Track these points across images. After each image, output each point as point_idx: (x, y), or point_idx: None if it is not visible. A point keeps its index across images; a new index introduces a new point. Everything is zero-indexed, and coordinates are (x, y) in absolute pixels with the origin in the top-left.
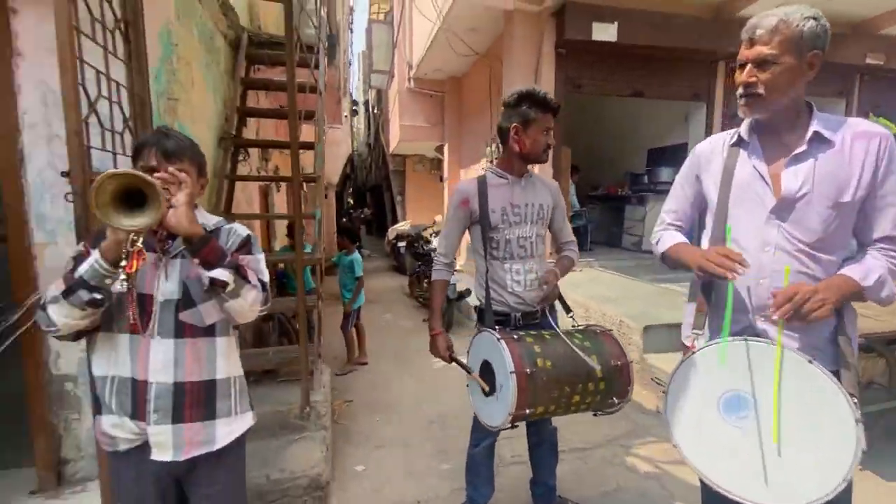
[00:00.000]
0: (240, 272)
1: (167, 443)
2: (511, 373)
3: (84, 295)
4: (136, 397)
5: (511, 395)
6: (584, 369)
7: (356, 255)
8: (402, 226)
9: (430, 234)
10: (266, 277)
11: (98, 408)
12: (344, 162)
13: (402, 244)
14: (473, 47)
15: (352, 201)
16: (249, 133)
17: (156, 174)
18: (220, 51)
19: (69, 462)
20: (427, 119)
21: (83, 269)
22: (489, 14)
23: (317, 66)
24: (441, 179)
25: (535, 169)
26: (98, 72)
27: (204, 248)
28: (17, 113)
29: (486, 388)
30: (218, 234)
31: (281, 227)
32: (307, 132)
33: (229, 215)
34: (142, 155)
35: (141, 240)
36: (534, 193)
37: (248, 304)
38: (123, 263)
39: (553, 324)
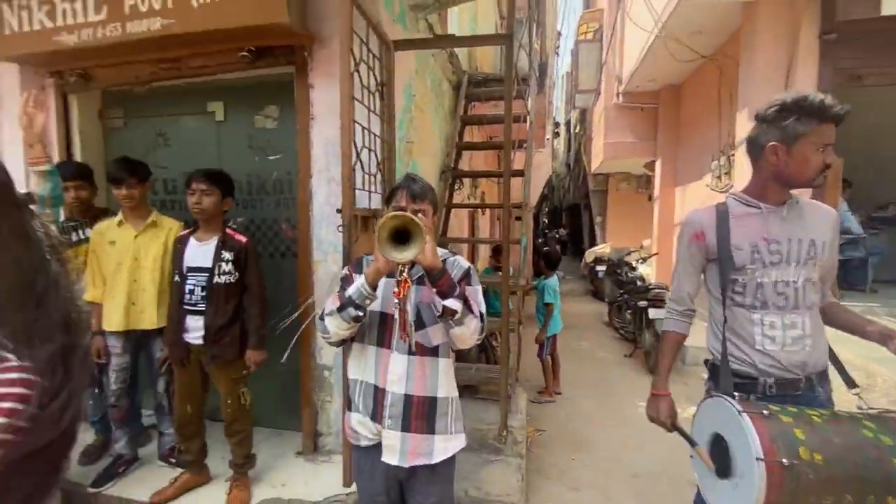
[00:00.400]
0: (466, 303)
1: (396, 447)
2: (758, 460)
3: (351, 311)
4: (377, 402)
5: (756, 490)
6: (882, 475)
7: (550, 281)
8: (602, 248)
9: (637, 260)
10: (484, 308)
11: (349, 405)
12: (543, 183)
13: (600, 268)
14: (698, 51)
15: (546, 221)
16: (463, 164)
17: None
18: (445, 94)
19: (321, 435)
20: (636, 134)
21: (351, 290)
22: (721, 11)
23: (528, 96)
24: (650, 198)
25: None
26: (363, 127)
27: (441, 279)
28: (311, 162)
29: (713, 469)
30: (443, 265)
31: (484, 247)
32: (515, 159)
33: (446, 239)
34: (395, 196)
35: (408, 270)
36: (802, 226)
37: (470, 333)
38: (395, 290)
39: (826, 400)
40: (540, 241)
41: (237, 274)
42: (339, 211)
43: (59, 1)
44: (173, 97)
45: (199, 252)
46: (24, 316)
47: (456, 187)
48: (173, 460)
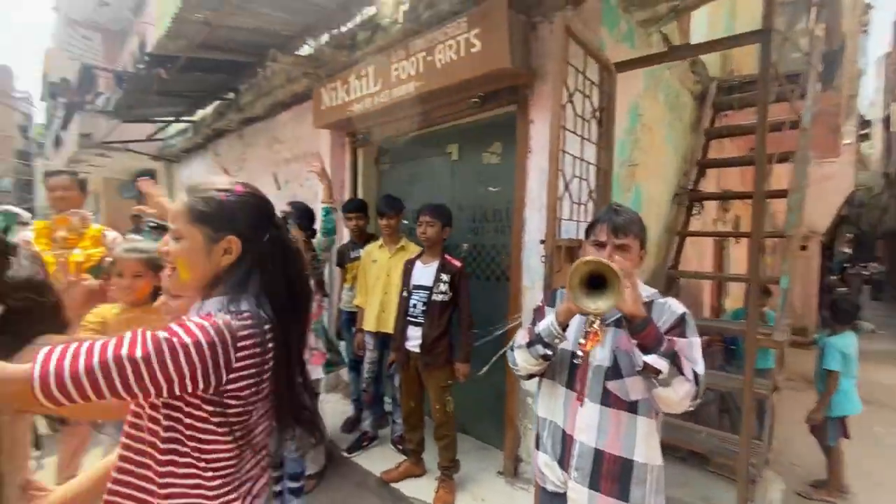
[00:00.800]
0: (675, 361)
1: (582, 503)
2: None
3: (540, 349)
4: (565, 448)
5: None
6: None
7: (839, 339)
8: None
9: None
10: (701, 369)
11: (537, 444)
12: (840, 202)
13: None
14: None
15: (849, 252)
16: (709, 182)
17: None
18: (684, 106)
19: (521, 461)
20: None
21: (541, 327)
22: None
23: (802, 97)
24: None
25: None
26: (574, 157)
27: (643, 330)
28: (525, 192)
29: None
30: (650, 308)
31: (738, 283)
32: (784, 176)
33: (675, 272)
34: (594, 229)
35: (598, 322)
36: None
37: (678, 398)
38: (582, 341)
39: None
40: (834, 278)
41: (451, 293)
42: (542, 242)
43: (352, 80)
44: (422, 143)
45: (424, 273)
46: (263, 280)
47: (695, 211)
48: (400, 447)
